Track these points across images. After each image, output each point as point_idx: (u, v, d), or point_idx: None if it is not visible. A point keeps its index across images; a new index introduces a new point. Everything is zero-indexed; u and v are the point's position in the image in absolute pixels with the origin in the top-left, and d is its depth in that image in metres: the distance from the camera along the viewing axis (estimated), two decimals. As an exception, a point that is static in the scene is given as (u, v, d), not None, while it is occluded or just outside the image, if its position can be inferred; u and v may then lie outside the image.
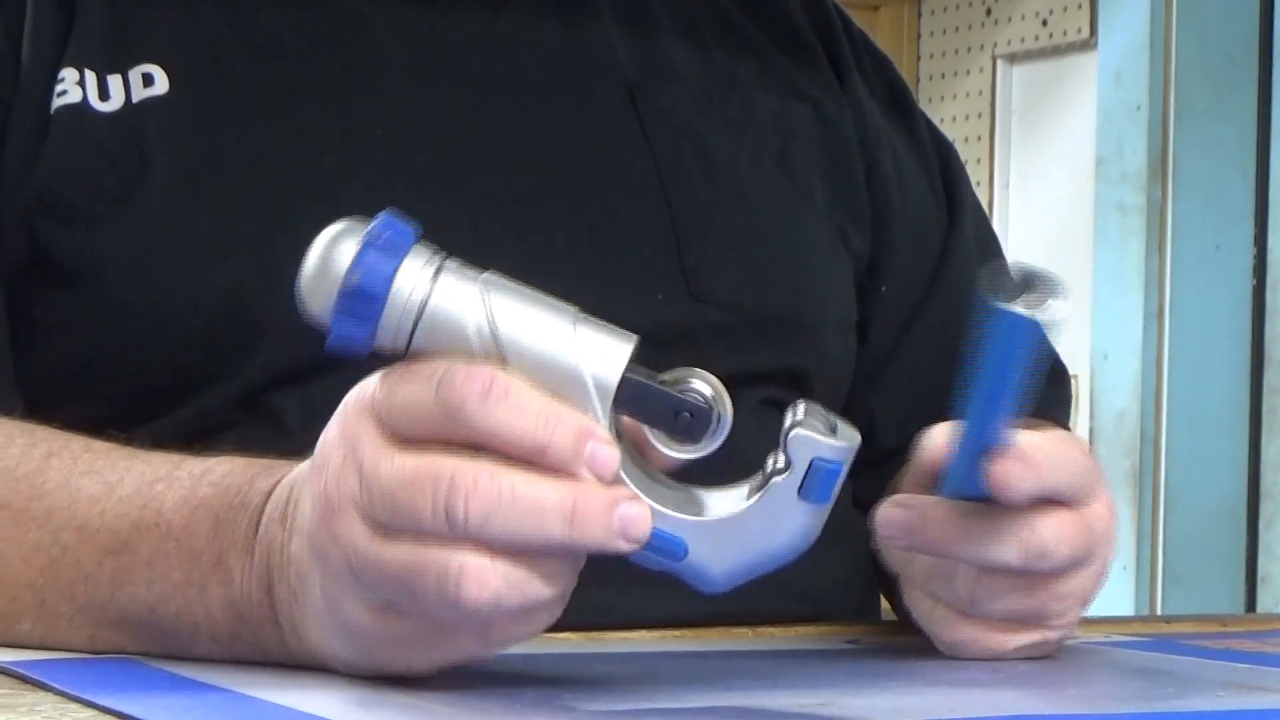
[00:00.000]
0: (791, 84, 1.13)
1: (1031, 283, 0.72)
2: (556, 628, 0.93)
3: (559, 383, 0.69)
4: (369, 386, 0.71)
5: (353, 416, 0.71)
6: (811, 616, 1.02)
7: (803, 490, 0.71)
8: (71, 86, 0.98)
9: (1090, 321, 3.39)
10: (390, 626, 0.71)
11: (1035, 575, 0.85)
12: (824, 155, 1.12)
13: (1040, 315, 0.72)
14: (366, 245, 0.69)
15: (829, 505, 0.71)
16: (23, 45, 0.99)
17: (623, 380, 0.69)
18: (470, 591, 0.68)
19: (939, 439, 0.86)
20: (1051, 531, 0.84)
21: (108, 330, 0.96)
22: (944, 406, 0.96)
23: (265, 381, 0.95)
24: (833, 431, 0.71)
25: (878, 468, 1.12)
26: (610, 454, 0.69)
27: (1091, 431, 3.42)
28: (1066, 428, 1.14)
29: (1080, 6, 3.58)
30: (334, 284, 0.69)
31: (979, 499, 0.83)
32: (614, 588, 0.97)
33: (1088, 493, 0.85)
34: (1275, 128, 3.33)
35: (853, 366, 1.10)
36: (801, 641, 0.96)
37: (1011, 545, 0.83)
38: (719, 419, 0.71)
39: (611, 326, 0.70)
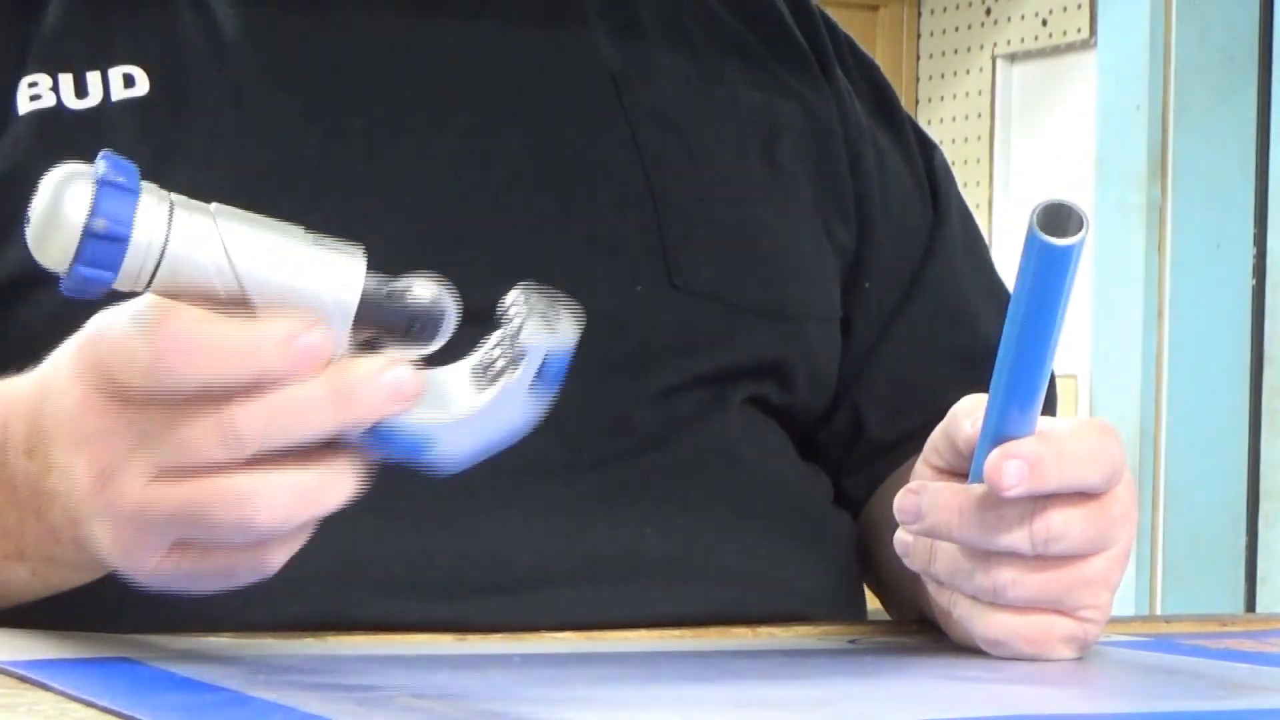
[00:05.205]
0: (778, 81, 1.12)
1: (1062, 214, 0.76)
2: (556, 627, 0.94)
3: (303, 310, 0.72)
4: (88, 347, 0.74)
5: (84, 387, 0.74)
6: (803, 615, 1.02)
7: (535, 382, 0.75)
8: (45, 91, 0.98)
9: (1090, 321, 3.39)
10: (182, 564, 0.75)
11: (1051, 560, 0.84)
12: (810, 151, 1.11)
13: (1071, 243, 0.76)
14: (103, 189, 0.70)
15: (558, 385, 0.75)
16: None
17: (361, 301, 0.73)
18: (263, 514, 0.72)
19: (965, 419, 0.86)
20: (1063, 516, 0.84)
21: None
22: (931, 400, 0.97)
23: None
24: (555, 319, 0.75)
25: (869, 466, 1.12)
26: (317, 338, 0.72)
27: (1091, 431, 3.41)
28: None
29: (1080, 6, 3.58)
30: (73, 230, 0.70)
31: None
32: (614, 588, 0.97)
33: (1106, 480, 0.85)
34: (1275, 128, 3.33)
35: (837, 361, 1.10)
36: (801, 641, 0.96)
37: (1020, 530, 0.83)
38: (445, 317, 0.74)
39: (342, 243, 0.74)
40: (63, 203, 0.70)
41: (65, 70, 0.99)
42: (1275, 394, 3.31)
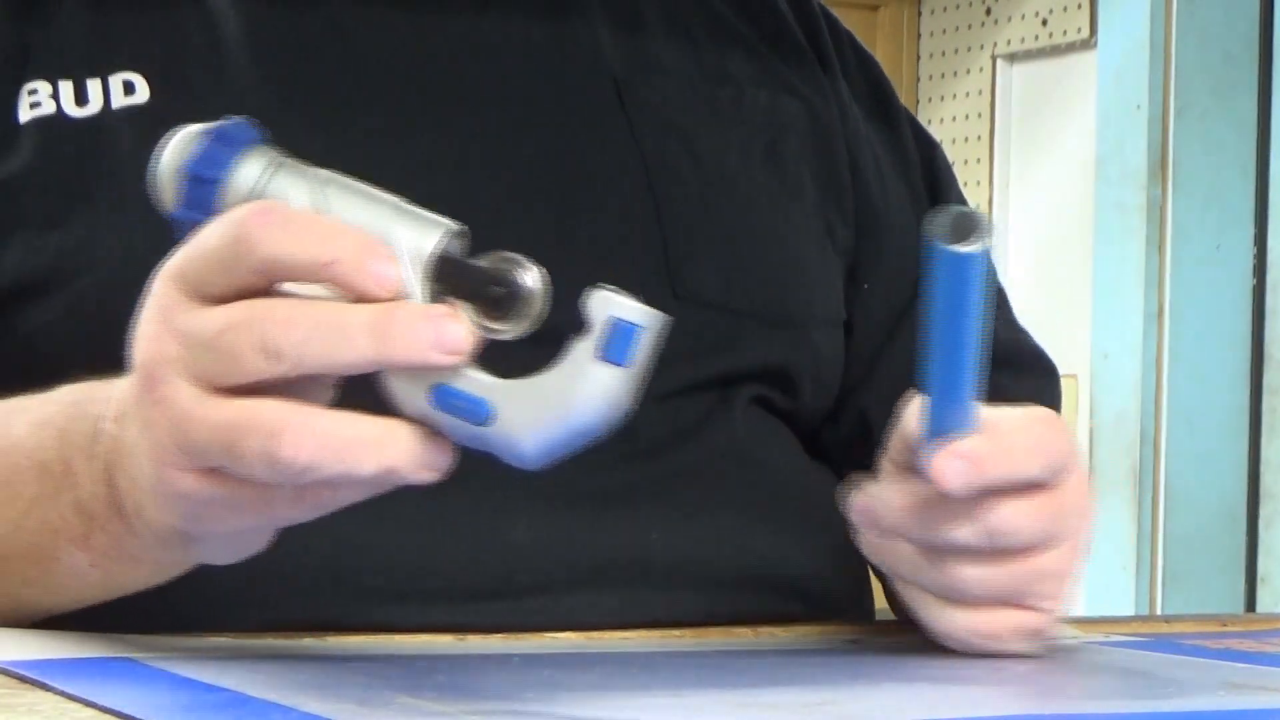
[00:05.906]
0: (781, 80, 1.12)
1: (965, 222, 0.76)
2: (557, 628, 0.94)
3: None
4: (171, 258, 0.74)
5: (159, 288, 0.74)
6: (807, 615, 1.02)
7: (600, 350, 0.71)
8: (45, 99, 0.98)
9: (1090, 321, 3.39)
10: (214, 490, 0.74)
11: (1004, 554, 0.85)
12: (813, 151, 1.11)
13: (977, 250, 0.75)
14: (206, 140, 0.74)
15: (632, 369, 0.71)
16: None
17: (439, 256, 0.72)
18: (287, 450, 0.70)
19: (913, 419, 0.86)
20: (1011, 510, 0.84)
21: (87, 338, 0.96)
22: None
23: None
24: (621, 292, 0.72)
25: (870, 467, 1.12)
26: (391, 270, 0.71)
27: (1091, 431, 3.42)
28: None
29: (1080, 6, 3.58)
30: (179, 177, 0.74)
31: None
32: (617, 594, 0.97)
33: (1056, 473, 0.85)
34: (1275, 128, 3.33)
35: (841, 364, 1.10)
36: (801, 641, 0.96)
37: (970, 525, 0.84)
38: (532, 296, 0.72)
39: (434, 214, 0.73)
40: (176, 155, 0.75)
41: (65, 77, 0.99)
42: (1275, 394, 3.31)
